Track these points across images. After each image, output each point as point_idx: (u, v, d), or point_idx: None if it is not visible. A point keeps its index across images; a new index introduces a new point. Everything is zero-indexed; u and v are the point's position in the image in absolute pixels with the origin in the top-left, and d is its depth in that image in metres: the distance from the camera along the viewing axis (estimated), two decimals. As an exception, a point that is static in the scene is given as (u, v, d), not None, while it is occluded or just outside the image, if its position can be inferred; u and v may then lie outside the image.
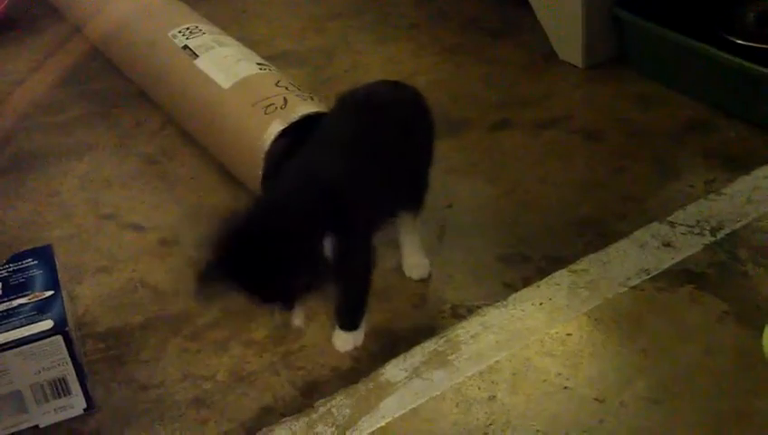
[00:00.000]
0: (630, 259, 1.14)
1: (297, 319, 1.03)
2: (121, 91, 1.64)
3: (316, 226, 0.96)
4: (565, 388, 0.97)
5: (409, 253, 1.16)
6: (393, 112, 1.09)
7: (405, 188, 1.11)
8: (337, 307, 1.06)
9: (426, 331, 1.07)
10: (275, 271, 0.93)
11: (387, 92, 1.13)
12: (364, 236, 1.02)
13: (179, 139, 1.49)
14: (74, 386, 1.00)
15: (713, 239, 1.16)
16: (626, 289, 1.09)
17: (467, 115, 1.50)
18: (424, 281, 1.16)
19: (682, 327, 1.04)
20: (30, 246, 1.14)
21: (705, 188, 1.27)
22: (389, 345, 1.06)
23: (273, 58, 1.48)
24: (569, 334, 1.04)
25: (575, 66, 1.60)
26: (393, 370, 1.02)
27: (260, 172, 1.23)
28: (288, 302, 0.98)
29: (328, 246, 0.96)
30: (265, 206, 1.00)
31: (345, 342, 1.06)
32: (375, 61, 1.70)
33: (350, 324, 1.06)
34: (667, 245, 1.16)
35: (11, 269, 1.08)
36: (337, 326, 1.06)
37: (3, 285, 1.05)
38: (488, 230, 1.25)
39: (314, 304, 1.08)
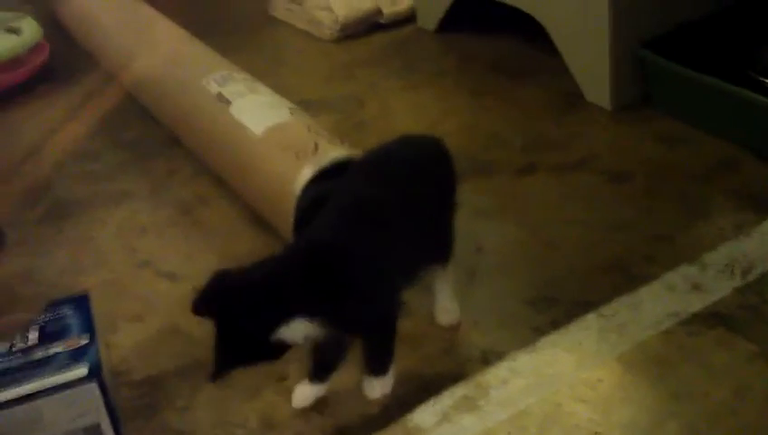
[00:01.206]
0: (660, 302, 1.14)
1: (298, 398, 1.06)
2: (155, 138, 1.68)
3: (282, 302, 0.95)
4: (596, 433, 0.97)
5: (441, 299, 1.17)
6: (410, 173, 1.08)
7: (428, 244, 1.10)
8: (364, 356, 1.07)
9: (455, 376, 1.08)
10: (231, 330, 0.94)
11: (404, 153, 1.12)
12: (379, 291, 1.02)
13: (213, 186, 1.51)
14: (109, 434, 1.02)
15: (743, 282, 1.16)
16: (656, 333, 1.09)
17: (494, 158, 1.51)
18: (453, 327, 1.16)
19: (712, 370, 1.04)
20: (66, 293, 1.15)
21: (734, 229, 1.27)
22: (419, 391, 1.06)
23: (303, 104, 1.51)
24: (599, 380, 1.04)
25: (601, 108, 1.61)
26: (422, 415, 1.02)
27: (291, 219, 1.25)
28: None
29: (299, 329, 0.95)
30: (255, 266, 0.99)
31: (374, 388, 1.07)
32: (402, 106, 1.72)
33: (377, 371, 1.06)
34: (697, 288, 1.16)
35: (48, 317, 1.10)
36: (366, 373, 1.07)
37: (39, 333, 1.07)
38: (516, 274, 1.25)
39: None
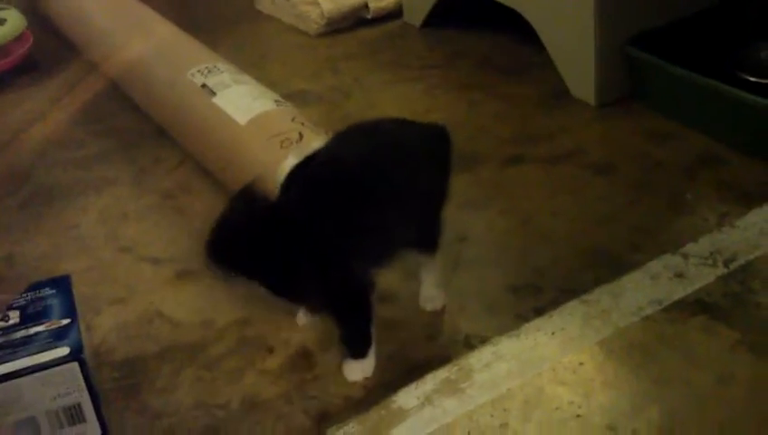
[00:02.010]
0: (643, 290, 1.14)
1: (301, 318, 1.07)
2: (140, 128, 1.67)
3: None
4: (578, 416, 0.97)
5: (426, 286, 1.17)
6: (396, 151, 1.06)
7: (410, 228, 1.08)
8: (339, 337, 1.07)
9: (438, 360, 1.07)
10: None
11: (393, 130, 1.10)
12: (345, 267, 1.01)
13: (196, 175, 1.51)
14: (89, 413, 1.01)
15: (726, 271, 1.16)
16: (638, 319, 1.10)
17: (481, 151, 1.52)
18: (438, 312, 1.16)
19: (694, 357, 1.04)
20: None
21: (718, 220, 1.27)
22: (402, 374, 1.06)
23: (289, 97, 1.50)
24: (581, 363, 1.04)
25: (588, 103, 1.62)
26: (405, 397, 1.02)
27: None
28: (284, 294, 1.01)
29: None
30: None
31: (354, 371, 1.07)
32: (389, 100, 1.72)
33: (354, 353, 1.06)
34: (680, 276, 1.16)
35: (29, 298, 1.09)
36: (345, 355, 1.07)
37: (20, 314, 1.06)
38: (501, 263, 1.25)
39: (328, 334, 1.09)
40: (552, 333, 1.09)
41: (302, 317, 1.15)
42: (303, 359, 1.10)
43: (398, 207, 1.04)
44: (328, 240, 0.99)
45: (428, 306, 1.17)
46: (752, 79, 1.45)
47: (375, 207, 1.02)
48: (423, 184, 1.08)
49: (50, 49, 2.01)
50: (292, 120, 1.38)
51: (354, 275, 1.03)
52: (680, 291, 1.13)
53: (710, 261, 1.18)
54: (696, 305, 1.11)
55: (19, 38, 1.95)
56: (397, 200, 1.04)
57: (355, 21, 2.04)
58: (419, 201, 1.08)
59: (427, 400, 1.01)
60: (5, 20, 1.94)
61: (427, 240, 1.12)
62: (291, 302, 1.07)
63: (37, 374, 0.98)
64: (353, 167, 1.03)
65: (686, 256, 1.19)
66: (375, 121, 1.13)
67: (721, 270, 1.16)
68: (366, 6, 2.03)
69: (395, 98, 1.72)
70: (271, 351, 1.12)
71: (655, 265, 1.18)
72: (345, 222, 1.00)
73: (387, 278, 1.14)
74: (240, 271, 0.99)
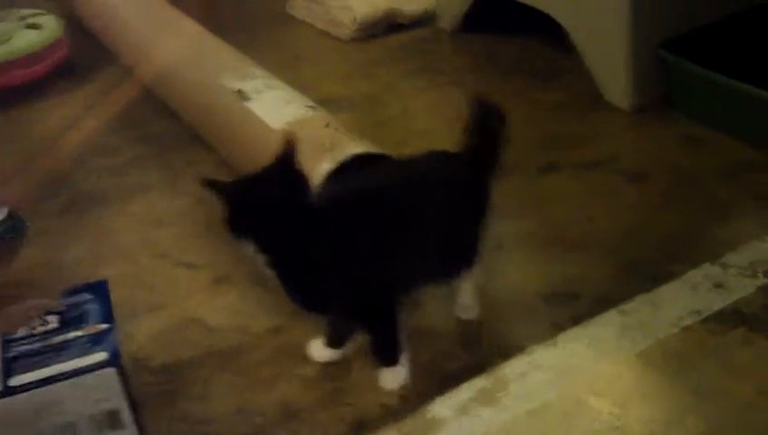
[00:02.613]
0: (682, 300, 1.13)
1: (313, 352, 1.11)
2: (173, 133, 1.68)
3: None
4: (616, 427, 0.97)
5: (462, 295, 1.16)
6: (431, 191, 1.08)
7: (445, 257, 1.09)
8: (370, 346, 1.07)
9: (474, 369, 1.07)
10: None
11: (433, 169, 1.12)
12: (370, 272, 1.03)
13: (230, 179, 1.51)
14: (127, 419, 1.01)
15: (766, 281, 1.15)
16: (677, 330, 1.09)
17: (514, 158, 1.48)
18: (473, 321, 1.16)
19: (734, 368, 1.03)
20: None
21: (757, 230, 1.26)
22: (437, 384, 1.06)
23: (321, 102, 1.51)
24: (619, 374, 1.04)
25: (621, 109, 1.61)
26: (441, 407, 1.02)
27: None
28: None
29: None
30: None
31: (388, 379, 1.07)
32: (421, 105, 1.72)
33: (384, 361, 1.07)
34: (719, 286, 1.15)
35: (67, 303, 1.10)
36: (376, 364, 1.08)
37: (59, 318, 1.07)
38: (536, 271, 1.25)
39: (363, 342, 1.09)
40: (589, 343, 1.08)
41: (315, 350, 1.13)
42: (339, 366, 1.10)
43: (428, 239, 1.06)
44: (356, 247, 1.01)
45: (464, 315, 1.16)
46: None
47: (409, 227, 1.04)
48: (461, 216, 1.10)
49: (87, 54, 2.03)
50: (326, 125, 1.38)
51: (379, 284, 1.03)
52: (719, 302, 1.12)
53: (749, 271, 1.17)
54: (736, 316, 1.10)
55: (56, 44, 1.97)
56: (425, 233, 1.06)
57: (387, 26, 2.04)
58: (457, 233, 1.10)
59: (463, 409, 1.01)
60: (42, 25, 1.95)
61: (465, 262, 1.13)
62: (305, 302, 1.05)
63: (74, 380, 0.98)
64: (394, 196, 1.06)
65: (725, 267, 1.18)
66: (425, 154, 1.14)
67: (761, 281, 1.15)
68: (399, 11, 2.03)
69: (427, 104, 1.72)
70: (306, 358, 1.12)
71: (694, 275, 1.17)
72: (376, 237, 1.02)
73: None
74: (259, 243, 0.99)
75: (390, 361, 1.07)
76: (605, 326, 1.11)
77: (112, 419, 1.01)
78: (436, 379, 1.07)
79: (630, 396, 1.01)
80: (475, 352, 1.11)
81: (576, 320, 1.13)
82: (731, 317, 1.10)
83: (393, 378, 1.07)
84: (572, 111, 1.64)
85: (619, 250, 1.27)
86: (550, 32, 1.72)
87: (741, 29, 1.59)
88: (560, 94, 1.70)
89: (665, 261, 1.22)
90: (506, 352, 1.10)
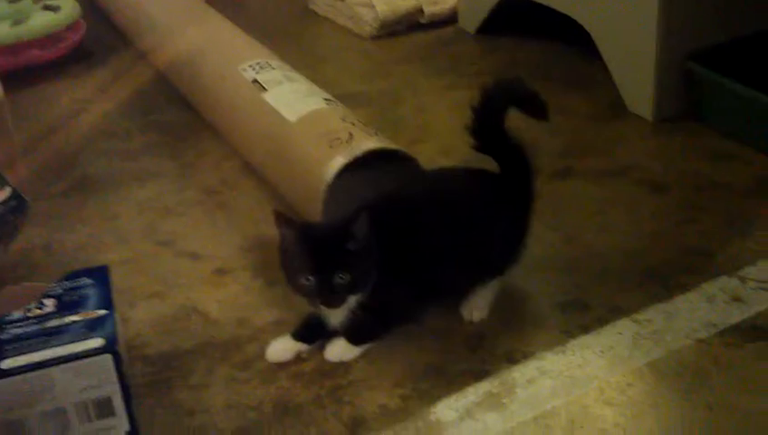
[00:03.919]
0: (697, 312, 1.10)
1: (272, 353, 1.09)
2: (186, 122, 1.66)
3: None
4: (624, 439, 0.93)
5: (476, 297, 1.14)
6: (462, 205, 1.11)
7: (474, 266, 1.11)
8: (353, 323, 1.05)
9: (479, 373, 1.04)
10: None
11: (465, 185, 1.15)
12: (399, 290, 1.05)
13: (240, 171, 1.49)
14: (119, 408, 0.98)
15: (785, 296, 1.11)
16: (692, 342, 1.05)
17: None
18: (481, 324, 1.12)
19: (749, 383, 0.99)
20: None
21: (777, 245, 1.22)
22: (442, 385, 1.03)
23: (340, 98, 1.48)
24: (629, 384, 1.00)
25: (644, 118, 1.57)
26: (444, 410, 0.98)
27: (320, 204, 1.22)
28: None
29: None
30: None
31: (333, 351, 1.07)
32: (440, 106, 1.69)
33: (355, 341, 1.07)
34: (737, 299, 1.11)
35: (66, 287, 1.07)
36: (341, 337, 1.07)
37: (57, 302, 1.04)
38: (548, 277, 1.21)
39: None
40: (601, 352, 1.05)
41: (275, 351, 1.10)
42: (338, 364, 1.07)
43: (456, 251, 1.08)
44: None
45: (471, 316, 1.13)
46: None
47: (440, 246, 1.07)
48: (481, 231, 1.11)
49: (103, 38, 2.01)
50: (343, 119, 1.35)
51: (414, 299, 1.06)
52: (737, 315, 1.08)
53: (768, 286, 1.13)
54: (753, 331, 1.06)
55: (73, 26, 1.96)
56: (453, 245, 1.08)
57: (409, 25, 2.01)
58: (479, 246, 1.11)
59: (467, 413, 0.97)
60: (60, 7, 1.94)
61: (495, 269, 1.13)
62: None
63: (69, 364, 0.96)
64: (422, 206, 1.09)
65: (743, 280, 1.14)
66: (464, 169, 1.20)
67: (780, 295, 1.11)
68: (421, 11, 2.01)
69: (446, 104, 1.69)
70: (305, 353, 1.09)
71: (711, 287, 1.14)
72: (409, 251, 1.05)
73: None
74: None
75: (358, 341, 1.07)
76: (617, 335, 1.07)
77: (104, 406, 0.98)
78: (440, 381, 1.04)
79: (641, 407, 0.97)
80: (481, 356, 1.07)
81: (587, 328, 1.10)
82: (748, 331, 1.06)
83: (343, 353, 1.07)
84: (594, 118, 1.61)
85: (635, 259, 1.23)
86: (574, 37, 1.69)
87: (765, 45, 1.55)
88: (582, 101, 1.66)
89: (681, 272, 1.19)
90: (514, 357, 1.06)
